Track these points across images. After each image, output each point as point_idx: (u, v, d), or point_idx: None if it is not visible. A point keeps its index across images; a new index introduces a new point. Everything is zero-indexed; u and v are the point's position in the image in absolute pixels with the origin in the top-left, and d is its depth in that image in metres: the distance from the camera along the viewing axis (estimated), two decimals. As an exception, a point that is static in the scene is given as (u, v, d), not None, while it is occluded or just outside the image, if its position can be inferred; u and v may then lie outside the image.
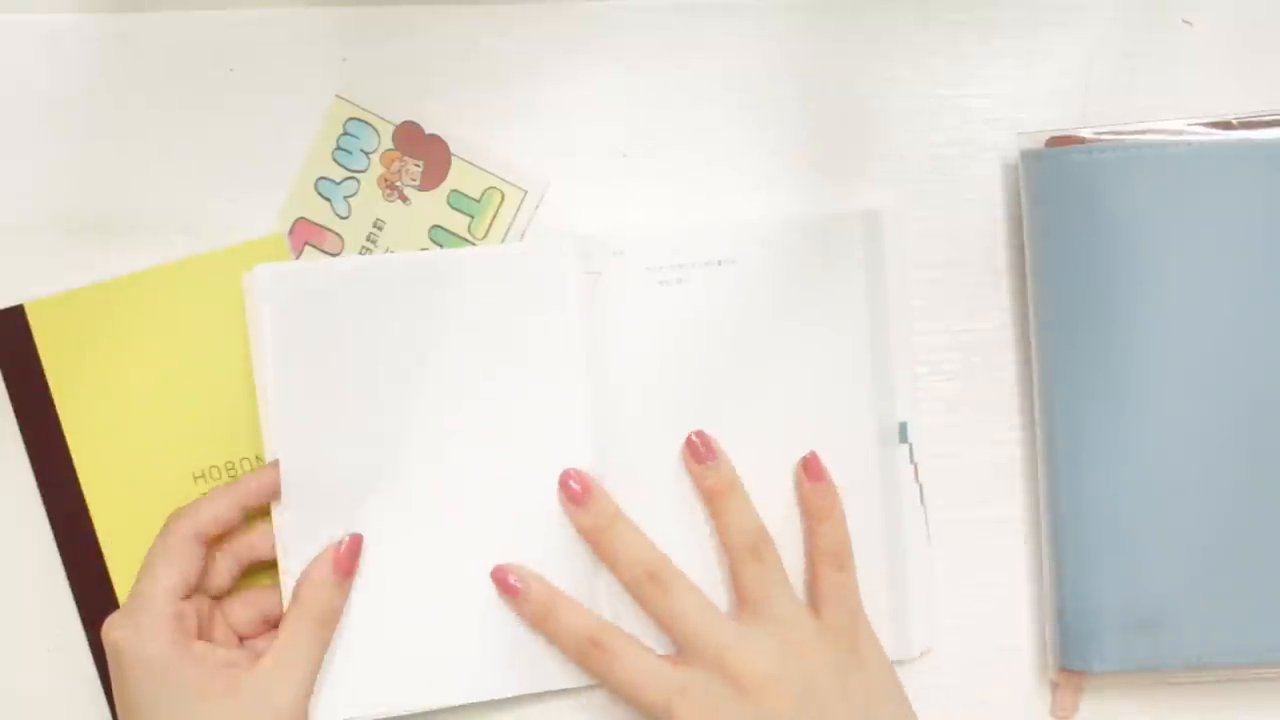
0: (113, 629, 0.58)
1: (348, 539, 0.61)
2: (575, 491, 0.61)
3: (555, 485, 0.62)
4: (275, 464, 0.61)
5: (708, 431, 0.62)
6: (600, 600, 0.62)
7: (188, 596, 0.59)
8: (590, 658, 0.60)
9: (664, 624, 0.60)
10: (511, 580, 0.61)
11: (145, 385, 0.64)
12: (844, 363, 0.64)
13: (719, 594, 0.62)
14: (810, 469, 0.62)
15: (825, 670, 0.58)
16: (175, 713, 0.57)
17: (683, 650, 0.59)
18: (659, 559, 0.60)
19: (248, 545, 0.61)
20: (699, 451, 0.62)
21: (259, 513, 0.62)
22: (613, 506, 0.61)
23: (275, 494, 0.61)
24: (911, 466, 0.64)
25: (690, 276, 0.63)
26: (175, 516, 0.60)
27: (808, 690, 0.57)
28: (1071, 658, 0.62)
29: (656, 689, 0.58)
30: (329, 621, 0.60)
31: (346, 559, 0.61)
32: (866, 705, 0.58)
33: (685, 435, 0.62)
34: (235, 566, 0.61)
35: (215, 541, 0.61)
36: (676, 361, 0.63)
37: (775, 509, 0.63)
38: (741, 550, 0.60)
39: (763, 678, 0.57)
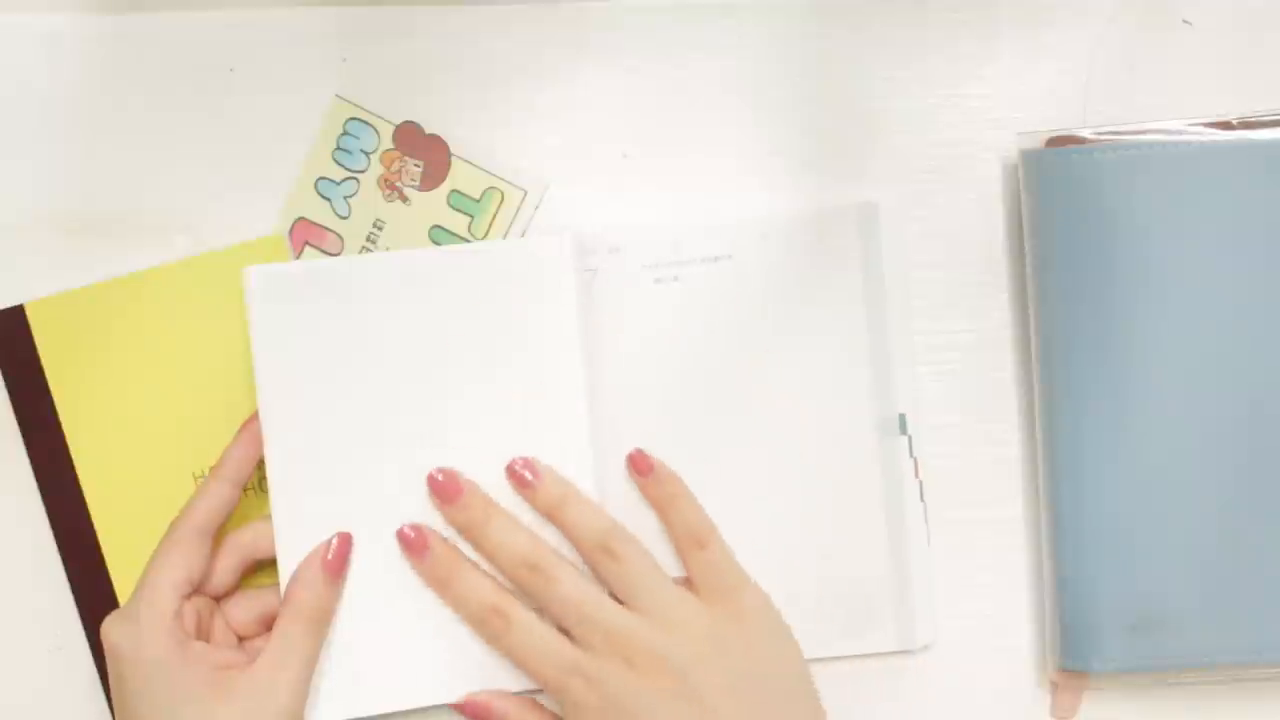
0: (111, 628, 0.58)
1: (336, 538, 0.61)
2: (445, 488, 0.61)
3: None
4: (251, 426, 0.61)
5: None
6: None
7: (190, 596, 0.59)
8: (489, 625, 0.59)
9: (551, 612, 0.59)
10: (413, 537, 0.60)
11: (145, 385, 0.64)
12: (842, 355, 0.64)
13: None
14: (637, 465, 0.62)
15: (706, 641, 0.58)
16: (171, 714, 0.57)
17: (573, 633, 0.59)
18: (536, 548, 0.59)
19: (250, 544, 0.61)
20: (521, 477, 0.61)
21: (260, 508, 0.62)
22: (484, 500, 0.60)
23: (258, 456, 0.61)
24: (912, 461, 0.64)
25: (686, 274, 0.63)
26: (175, 519, 0.60)
27: (691, 664, 0.58)
28: (1071, 658, 0.62)
29: (552, 665, 0.58)
30: (322, 621, 0.60)
31: (336, 559, 0.60)
32: (747, 658, 0.59)
33: (684, 432, 0.63)
34: (238, 566, 0.61)
35: (220, 535, 0.61)
36: (674, 358, 0.63)
37: (775, 504, 0.63)
38: (595, 552, 0.60)
39: (648, 657, 0.57)
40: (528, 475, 0.61)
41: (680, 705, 0.57)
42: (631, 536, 0.60)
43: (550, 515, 0.61)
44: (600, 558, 0.60)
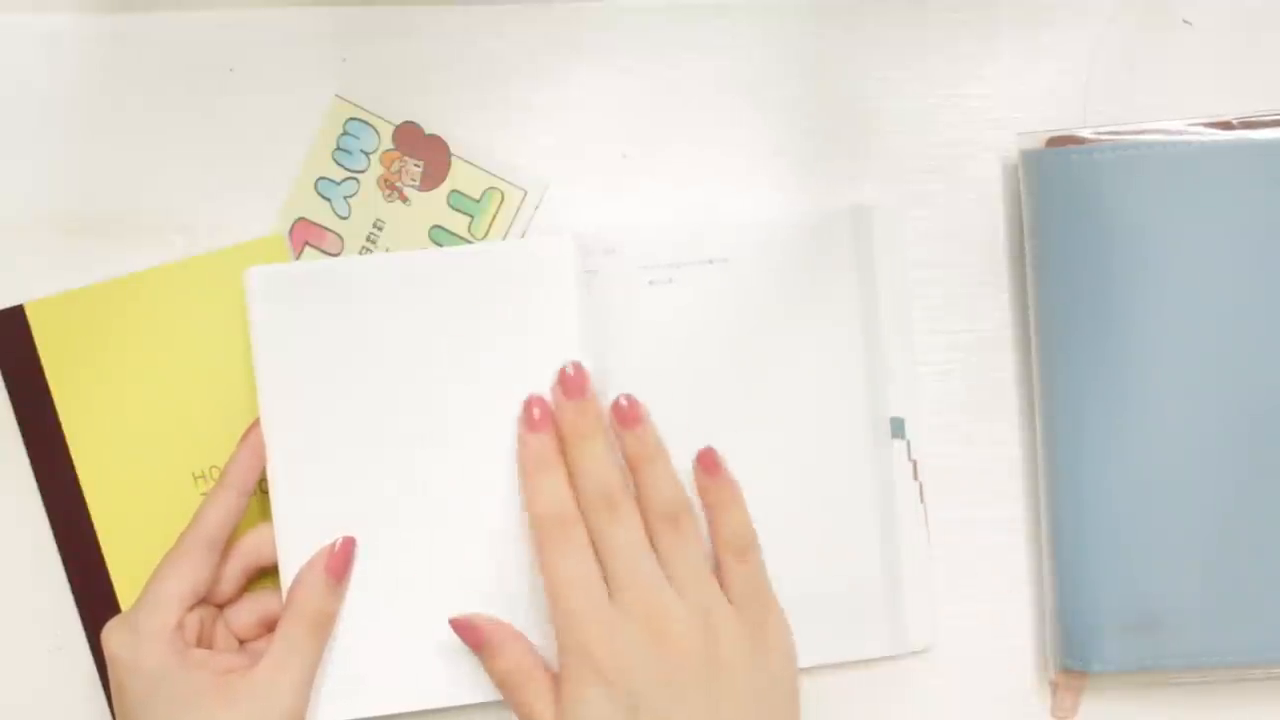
0: (110, 636, 0.58)
1: (340, 541, 0.61)
2: (567, 381, 0.60)
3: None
4: (253, 434, 0.61)
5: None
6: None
7: (193, 607, 0.59)
8: (549, 533, 0.58)
9: (602, 552, 0.58)
10: (537, 417, 0.60)
11: (145, 385, 0.64)
12: (836, 358, 0.64)
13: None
14: (706, 463, 0.60)
15: (733, 643, 0.57)
16: None
17: (610, 581, 0.58)
18: (621, 486, 0.58)
19: (254, 549, 0.61)
20: (625, 415, 0.60)
21: (263, 512, 0.62)
22: (599, 416, 0.60)
23: (261, 463, 0.61)
24: (910, 464, 0.64)
25: (681, 276, 0.63)
26: (183, 530, 0.60)
27: (713, 654, 0.57)
28: (1071, 658, 0.62)
29: (584, 599, 0.57)
30: (324, 624, 0.60)
31: (339, 562, 0.60)
32: (765, 692, 0.58)
33: (680, 434, 0.62)
34: (243, 573, 0.61)
35: (229, 546, 0.61)
36: (668, 360, 0.63)
37: (771, 508, 0.63)
38: (661, 520, 0.59)
39: (675, 631, 0.57)
40: (630, 416, 0.59)
41: (692, 695, 0.56)
42: (697, 520, 0.59)
43: (634, 467, 0.60)
44: (664, 527, 0.59)
